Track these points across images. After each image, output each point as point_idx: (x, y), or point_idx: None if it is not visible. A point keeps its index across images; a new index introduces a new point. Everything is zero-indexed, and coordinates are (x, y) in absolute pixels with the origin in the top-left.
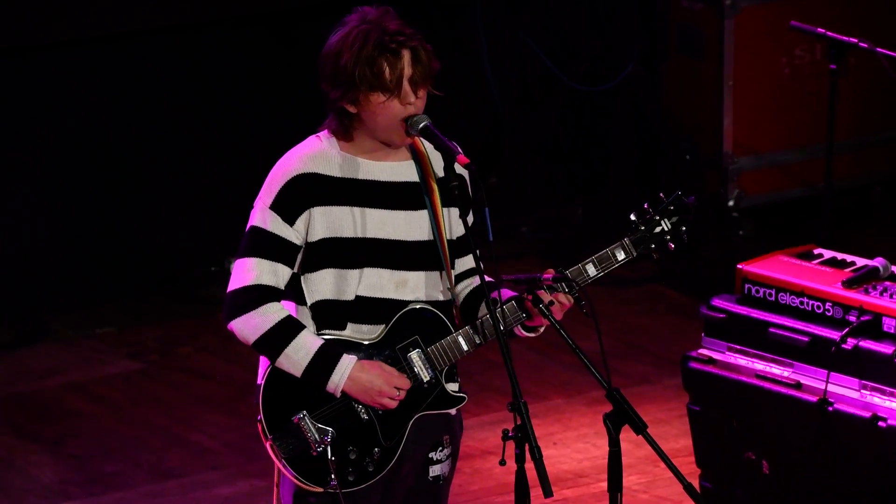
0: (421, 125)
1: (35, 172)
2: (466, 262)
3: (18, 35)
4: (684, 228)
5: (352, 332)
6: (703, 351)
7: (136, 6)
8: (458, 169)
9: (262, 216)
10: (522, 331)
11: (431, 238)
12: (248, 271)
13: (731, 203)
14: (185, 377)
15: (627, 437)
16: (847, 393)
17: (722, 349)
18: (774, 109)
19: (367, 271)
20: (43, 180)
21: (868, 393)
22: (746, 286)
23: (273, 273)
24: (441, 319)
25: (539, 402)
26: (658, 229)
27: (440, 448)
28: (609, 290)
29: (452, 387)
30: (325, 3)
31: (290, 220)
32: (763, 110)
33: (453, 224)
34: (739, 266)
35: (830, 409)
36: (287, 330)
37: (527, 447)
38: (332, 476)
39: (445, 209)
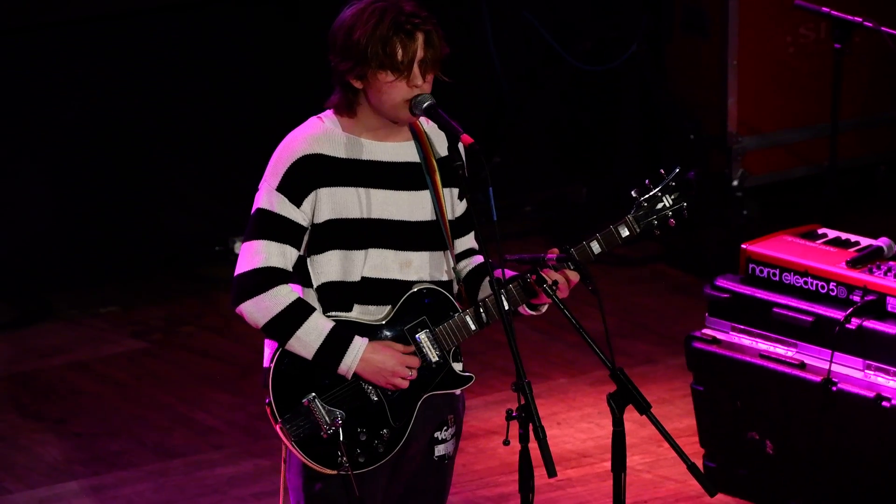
0: (425, 105)
1: (40, 152)
2: (466, 242)
3: (26, 14)
4: (685, 204)
5: (358, 313)
6: (706, 331)
7: None
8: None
9: (269, 198)
10: (527, 309)
11: (434, 218)
12: (257, 254)
13: (735, 182)
14: (189, 356)
15: (631, 416)
16: (851, 373)
17: (726, 329)
18: (779, 89)
19: (372, 252)
20: (48, 160)
21: (872, 373)
22: (750, 266)
23: (281, 255)
24: (448, 300)
25: (543, 382)
26: (660, 205)
27: (445, 427)
28: (613, 270)
29: (458, 367)
30: None
31: (297, 202)
32: (767, 90)
33: (455, 204)
34: (743, 246)
35: (834, 388)
36: (298, 313)
37: (531, 427)
38: (343, 458)
39: (447, 189)
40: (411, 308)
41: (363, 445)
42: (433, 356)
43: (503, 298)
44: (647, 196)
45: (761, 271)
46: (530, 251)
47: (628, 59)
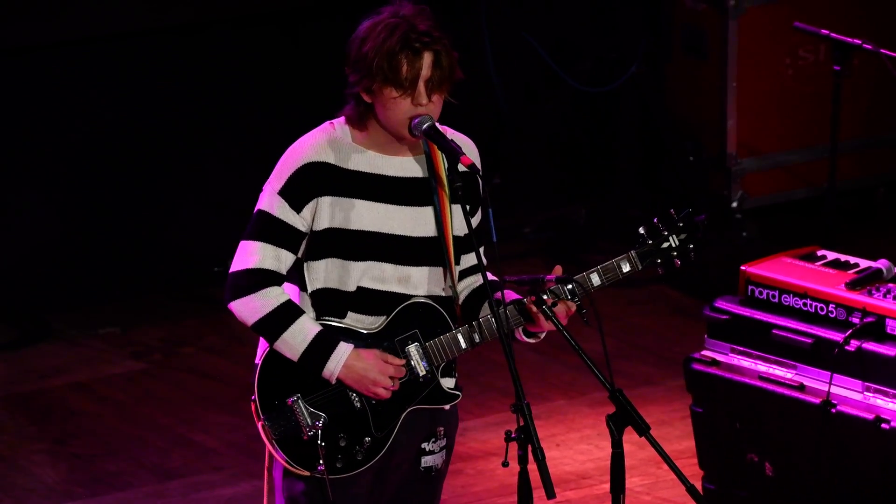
0: (424, 126)
1: (40, 172)
2: (470, 259)
3: (28, 34)
4: (692, 246)
5: (352, 320)
6: (706, 352)
7: (147, 5)
8: (463, 168)
9: (271, 201)
10: (523, 335)
11: (436, 235)
12: (252, 254)
13: (734, 204)
14: (189, 377)
15: (630, 438)
16: (850, 395)
17: (725, 350)
18: (778, 110)
19: (371, 264)
20: (48, 180)
21: (871, 395)
22: (750, 287)
23: (276, 258)
24: (442, 315)
25: (542, 404)
26: (665, 245)
27: (433, 439)
28: (612, 291)
29: (448, 383)
30: (335, 2)
31: (298, 208)
32: (767, 111)
33: (460, 221)
34: (743, 267)
35: (833, 411)
36: (286, 314)
37: (529, 448)
38: (321, 461)
39: (453, 206)
40: (405, 320)
41: (342, 451)
42: (421, 370)
43: (494, 321)
44: (653, 234)
45: (760, 293)
46: (529, 272)
47: (628, 81)
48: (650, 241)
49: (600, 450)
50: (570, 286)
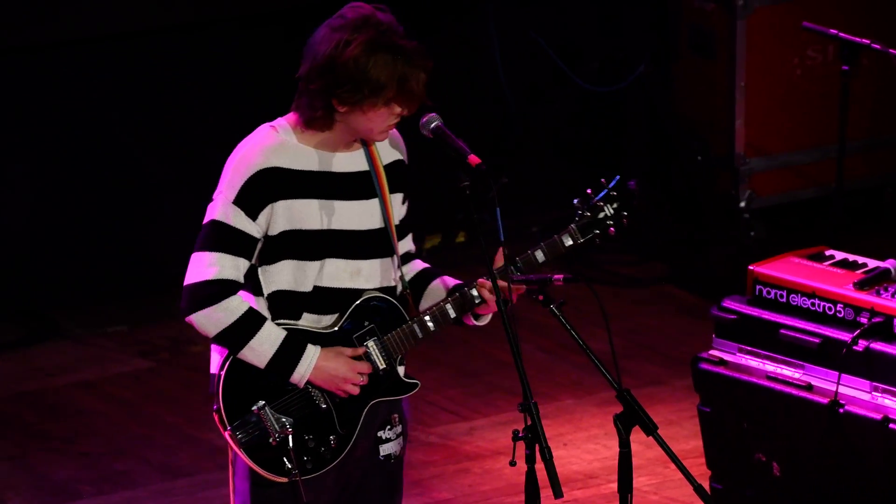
0: (432, 125)
1: (46, 172)
2: (407, 244)
3: (29, 33)
4: (626, 213)
5: (308, 321)
6: (713, 352)
7: (146, 5)
8: (397, 154)
9: (225, 210)
10: (472, 319)
11: (382, 226)
12: (210, 265)
13: (742, 204)
14: (196, 376)
15: (638, 438)
16: (858, 395)
17: (733, 350)
18: (786, 110)
19: (326, 262)
20: (56, 178)
21: (879, 395)
22: (757, 287)
23: (235, 267)
24: (396, 308)
25: (549, 403)
26: (601, 215)
27: (389, 427)
28: (619, 291)
29: (401, 370)
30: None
31: (253, 215)
32: (774, 111)
33: (398, 209)
34: (750, 267)
35: (841, 410)
36: (250, 323)
37: (537, 448)
38: (292, 465)
39: (393, 195)
40: (360, 316)
41: (311, 452)
42: (381, 363)
43: (449, 308)
44: (588, 205)
45: (768, 293)
46: (536, 271)
47: (635, 80)
48: (587, 214)
49: (608, 449)
50: (514, 265)
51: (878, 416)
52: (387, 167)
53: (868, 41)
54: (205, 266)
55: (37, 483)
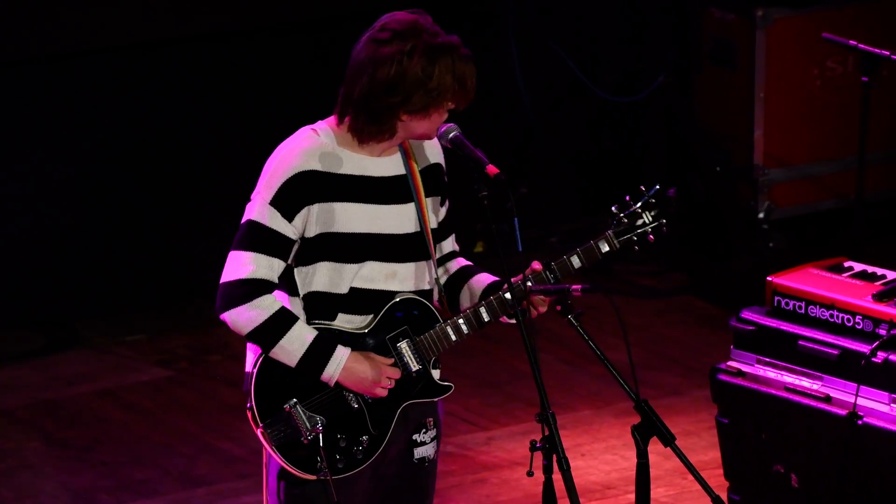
0: (451, 135)
1: (68, 180)
2: (447, 245)
3: (57, 43)
4: (664, 221)
5: (342, 321)
6: (732, 363)
7: (174, 15)
8: (434, 158)
9: (262, 211)
10: (507, 318)
11: (419, 230)
12: (245, 265)
13: (761, 215)
14: (215, 385)
15: (656, 448)
16: (877, 407)
17: (751, 361)
18: (806, 121)
19: (364, 265)
20: (75, 187)
21: None
22: (776, 298)
23: (269, 267)
24: (430, 310)
25: (567, 413)
26: (640, 221)
27: (424, 430)
28: (639, 301)
29: (436, 374)
30: (358, 12)
31: (290, 217)
32: (794, 122)
33: (435, 213)
34: (769, 278)
35: (860, 422)
36: (281, 322)
37: (554, 458)
38: (323, 464)
39: (429, 199)
40: (394, 317)
41: (343, 451)
42: (413, 365)
43: (483, 312)
44: (627, 212)
45: (787, 304)
46: (571, 278)
47: (655, 91)
48: (625, 220)
49: (625, 460)
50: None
51: None
52: (423, 171)
53: (888, 52)
54: (240, 265)
55: (56, 492)
